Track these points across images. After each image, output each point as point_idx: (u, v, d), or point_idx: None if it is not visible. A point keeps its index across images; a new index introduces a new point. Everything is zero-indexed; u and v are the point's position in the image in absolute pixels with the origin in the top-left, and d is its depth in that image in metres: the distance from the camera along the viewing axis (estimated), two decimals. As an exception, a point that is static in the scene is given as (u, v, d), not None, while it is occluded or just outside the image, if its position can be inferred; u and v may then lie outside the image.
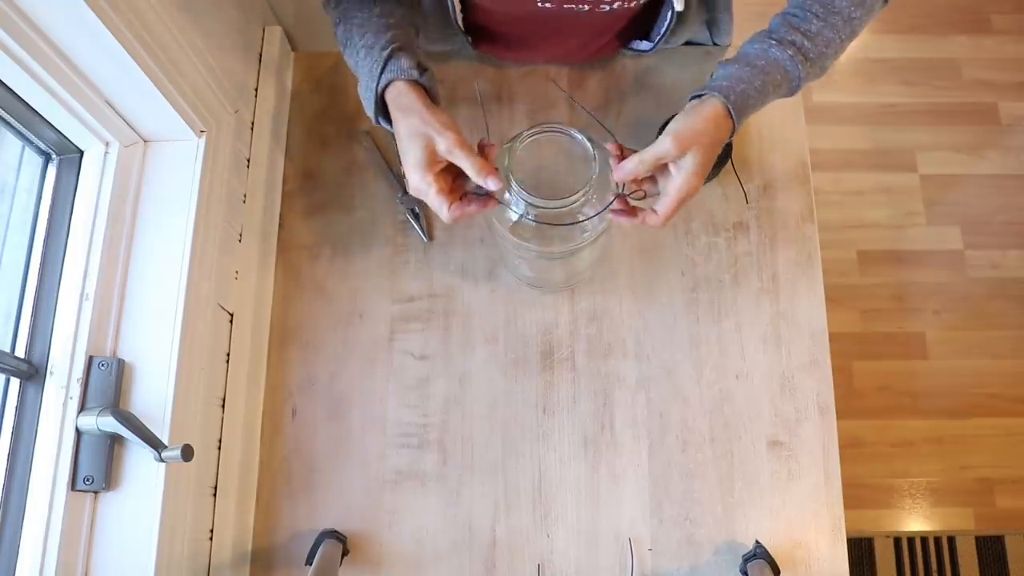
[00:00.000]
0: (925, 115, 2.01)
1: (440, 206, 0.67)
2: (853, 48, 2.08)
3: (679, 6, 0.79)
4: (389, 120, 0.72)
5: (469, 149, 0.66)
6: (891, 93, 2.04)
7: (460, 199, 0.68)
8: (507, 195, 0.69)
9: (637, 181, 0.69)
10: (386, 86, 0.70)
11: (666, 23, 0.85)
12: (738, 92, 0.67)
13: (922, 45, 2.08)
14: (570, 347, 0.88)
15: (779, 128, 0.95)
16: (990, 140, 1.99)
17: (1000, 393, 1.82)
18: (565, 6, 0.78)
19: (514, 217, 0.70)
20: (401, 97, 0.70)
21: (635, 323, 0.88)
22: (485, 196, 0.68)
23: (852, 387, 1.82)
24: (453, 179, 0.69)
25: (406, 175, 0.69)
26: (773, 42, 0.69)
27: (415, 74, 0.70)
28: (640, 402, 0.86)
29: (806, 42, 0.69)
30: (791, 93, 0.72)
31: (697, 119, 0.67)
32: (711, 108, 0.67)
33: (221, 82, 0.81)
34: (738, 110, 0.67)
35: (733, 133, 0.69)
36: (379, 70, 0.70)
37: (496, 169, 0.66)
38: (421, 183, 0.67)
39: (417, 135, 0.67)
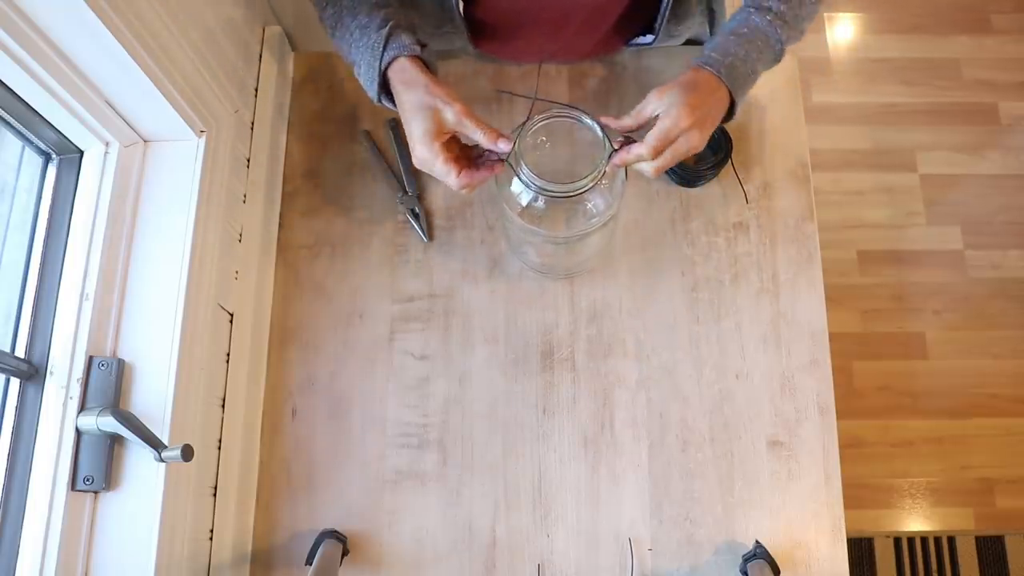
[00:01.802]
0: (925, 115, 2.01)
1: (447, 174, 0.68)
2: (853, 48, 2.09)
3: None
4: (391, 99, 0.74)
5: (477, 118, 0.68)
6: (891, 93, 2.03)
7: (467, 168, 0.69)
8: (517, 179, 0.69)
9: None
10: (389, 63, 0.72)
11: (664, 7, 0.85)
12: (720, 58, 0.72)
13: (923, 45, 2.08)
14: (570, 347, 0.88)
15: (779, 128, 0.95)
16: (990, 140, 1.99)
17: (1000, 393, 1.82)
18: None
19: (523, 201, 0.71)
20: (404, 72, 0.71)
21: (635, 323, 0.88)
22: (493, 161, 0.69)
23: (852, 387, 1.82)
24: (459, 149, 0.71)
25: (411, 148, 0.70)
26: (752, 10, 0.75)
27: (416, 49, 0.72)
28: (640, 402, 0.86)
29: (782, 6, 0.74)
30: (776, 59, 0.77)
31: (678, 78, 0.72)
32: (692, 70, 0.73)
33: (221, 82, 0.81)
34: (724, 71, 0.72)
35: (734, 98, 0.73)
36: (381, 48, 0.71)
37: (504, 134, 0.68)
38: (427, 153, 0.68)
39: (423, 107, 0.68)
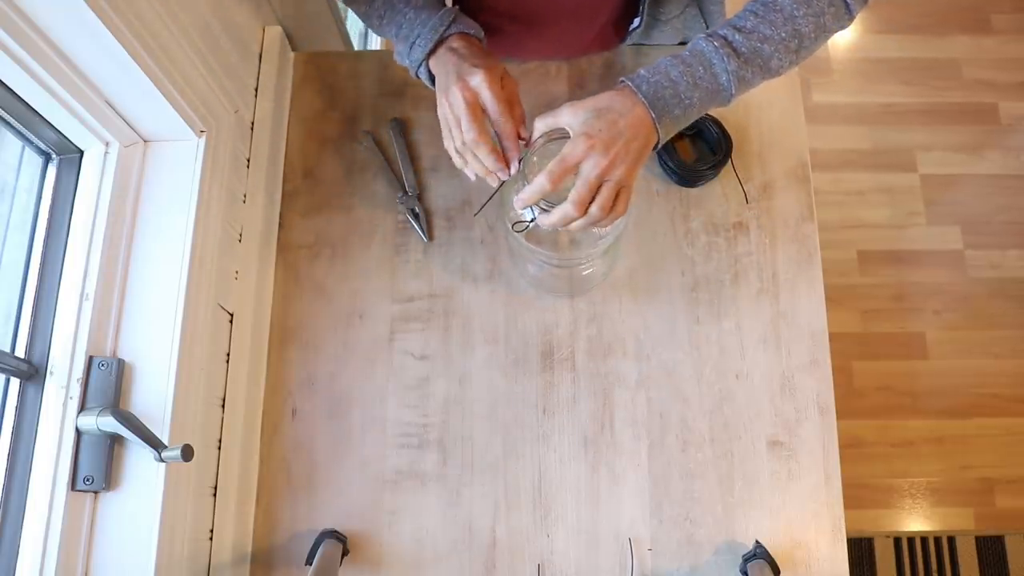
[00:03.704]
0: (925, 115, 2.02)
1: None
2: (853, 48, 2.09)
3: None
4: (430, 74, 0.75)
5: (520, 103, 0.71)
6: (891, 93, 2.04)
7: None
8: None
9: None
10: (455, 33, 0.73)
11: None
12: (647, 75, 0.66)
13: (922, 45, 2.08)
14: (570, 347, 0.88)
15: (779, 128, 0.95)
16: (990, 140, 1.99)
17: (1000, 393, 1.82)
18: None
19: (527, 218, 0.70)
20: (471, 45, 0.73)
21: (635, 323, 0.88)
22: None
23: (852, 387, 1.82)
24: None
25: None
26: (703, 36, 0.68)
27: (481, 34, 0.75)
28: (640, 402, 0.86)
29: (736, 35, 0.67)
30: (722, 90, 0.67)
31: (599, 96, 0.66)
32: (616, 87, 0.67)
33: (221, 82, 0.81)
34: (646, 89, 0.65)
35: (657, 122, 0.65)
36: (449, 19, 0.73)
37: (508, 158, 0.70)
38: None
39: (494, 60, 0.71)
